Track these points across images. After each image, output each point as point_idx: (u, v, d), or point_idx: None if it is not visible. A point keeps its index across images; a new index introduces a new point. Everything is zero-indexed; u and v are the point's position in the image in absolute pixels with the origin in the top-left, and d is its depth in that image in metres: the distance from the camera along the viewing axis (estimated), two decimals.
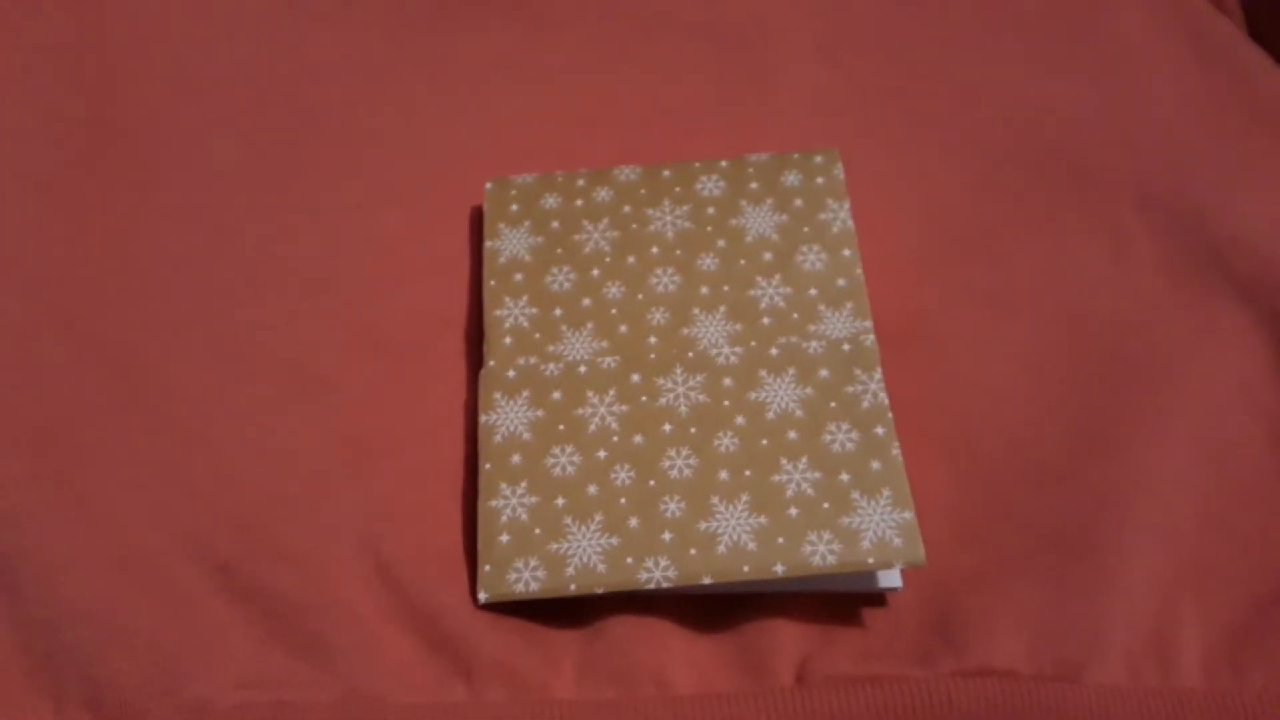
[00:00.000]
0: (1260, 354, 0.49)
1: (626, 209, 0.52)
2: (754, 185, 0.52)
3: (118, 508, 0.46)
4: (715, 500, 0.44)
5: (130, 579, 0.44)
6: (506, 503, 0.45)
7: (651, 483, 0.45)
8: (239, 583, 0.44)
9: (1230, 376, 0.49)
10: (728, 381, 0.47)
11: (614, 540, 0.44)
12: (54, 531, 0.45)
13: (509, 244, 0.52)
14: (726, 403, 0.47)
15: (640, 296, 0.50)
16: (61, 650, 0.43)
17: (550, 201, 0.53)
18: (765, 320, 0.49)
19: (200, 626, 0.43)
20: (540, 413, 0.47)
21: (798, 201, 0.52)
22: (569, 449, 0.46)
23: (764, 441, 0.45)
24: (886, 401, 0.46)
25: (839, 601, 0.44)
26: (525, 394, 0.47)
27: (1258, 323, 0.50)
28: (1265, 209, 0.53)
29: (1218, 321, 0.50)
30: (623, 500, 0.45)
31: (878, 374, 0.47)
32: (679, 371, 0.48)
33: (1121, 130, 0.56)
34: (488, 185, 0.53)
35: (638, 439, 0.46)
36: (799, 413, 0.46)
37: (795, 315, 0.49)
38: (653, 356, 0.48)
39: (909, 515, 0.44)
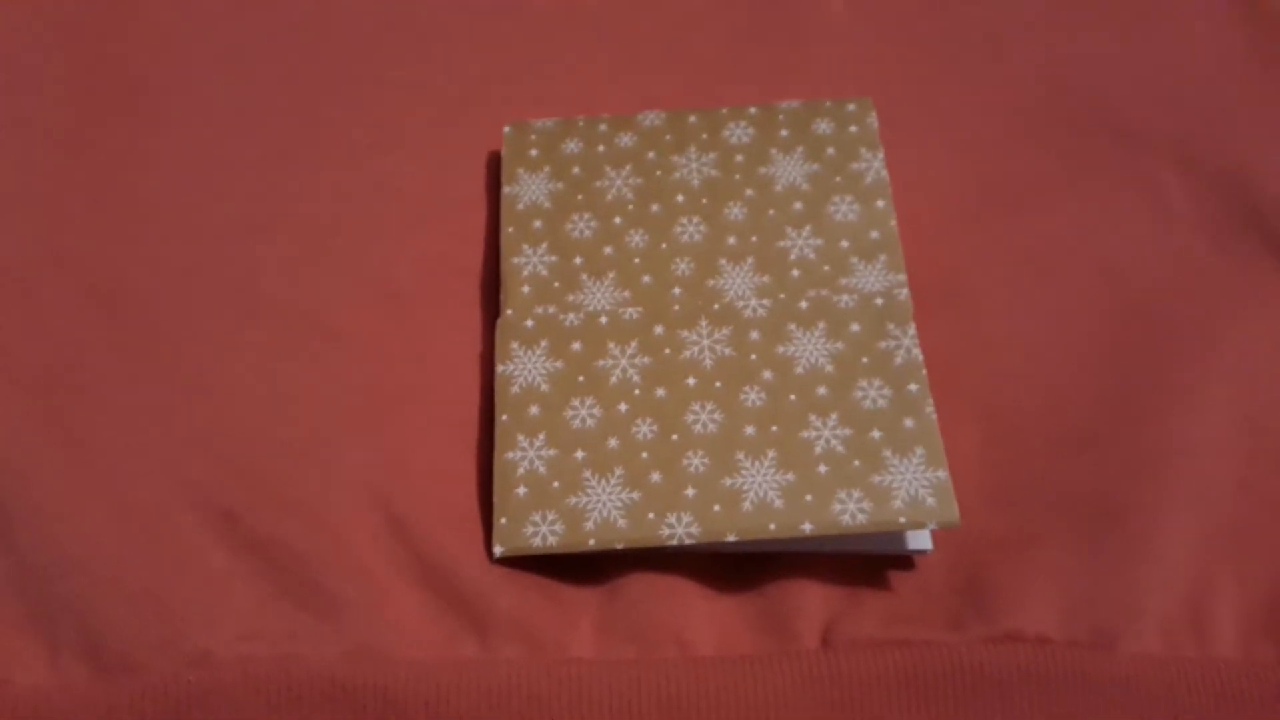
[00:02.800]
0: None
1: (651, 155, 0.50)
2: (784, 133, 0.51)
3: (118, 454, 0.45)
4: (741, 456, 0.43)
5: (129, 527, 0.43)
6: (524, 455, 0.44)
7: (674, 437, 0.43)
8: (243, 533, 0.43)
9: (1270, 340, 0.47)
10: (755, 335, 0.46)
11: (635, 495, 0.42)
12: (51, 477, 0.44)
13: (528, 190, 0.50)
14: (753, 357, 0.45)
15: (664, 246, 0.48)
16: (57, 599, 0.41)
17: (571, 146, 0.51)
18: (795, 272, 0.47)
19: (202, 577, 0.42)
20: (559, 364, 0.45)
21: (830, 150, 0.50)
22: (589, 401, 0.45)
23: (792, 397, 0.44)
24: (920, 357, 0.45)
25: (865, 563, 0.43)
26: (544, 344, 0.46)
27: None
28: None
29: (1258, 283, 0.49)
30: (644, 454, 0.43)
31: (911, 329, 0.45)
32: (704, 324, 0.46)
33: (1161, 86, 0.55)
34: (506, 129, 0.52)
35: (660, 392, 0.44)
36: (829, 368, 0.45)
37: (826, 268, 0.47)
38: (677, 308, 0.46)
39: (943, 474, 0.42)
